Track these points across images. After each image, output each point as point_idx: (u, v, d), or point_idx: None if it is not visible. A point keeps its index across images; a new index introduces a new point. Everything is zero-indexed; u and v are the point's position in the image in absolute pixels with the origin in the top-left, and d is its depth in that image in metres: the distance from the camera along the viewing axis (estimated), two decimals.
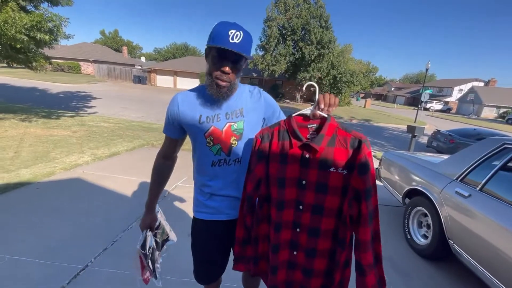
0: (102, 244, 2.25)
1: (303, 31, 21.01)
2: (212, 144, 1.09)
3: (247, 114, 1.10)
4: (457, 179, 2.39)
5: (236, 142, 1.09)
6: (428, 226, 2.64)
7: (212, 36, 0.95)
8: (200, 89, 1.12)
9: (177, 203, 3.15)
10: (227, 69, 0.97)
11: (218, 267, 1.26)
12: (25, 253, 2.07)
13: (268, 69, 21.52)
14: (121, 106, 11.72)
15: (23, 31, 4.99)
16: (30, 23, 5.03)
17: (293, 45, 21.75)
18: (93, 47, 34.79)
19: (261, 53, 22.40)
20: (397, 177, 3.27)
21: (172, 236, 1.44)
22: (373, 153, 7.55)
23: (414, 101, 43.88)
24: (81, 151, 4.56)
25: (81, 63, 30.98)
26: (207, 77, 1.02)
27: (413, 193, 2.93)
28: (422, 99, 17.18)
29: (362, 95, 49.76)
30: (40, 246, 2.16)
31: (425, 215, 2.69)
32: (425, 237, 2.68)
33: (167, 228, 1.43)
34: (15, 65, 6.48)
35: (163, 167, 1.25)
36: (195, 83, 26.31)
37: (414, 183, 2.88)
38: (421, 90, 20.37)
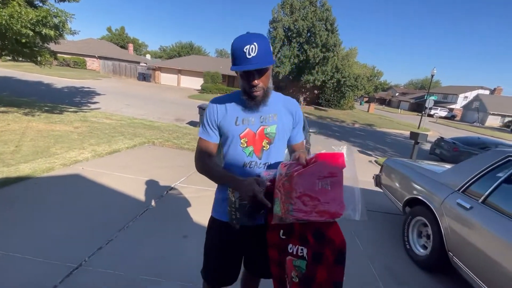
0: (97, 243, 2.24)
1: (309, 34, 20.96)
2: (245, 145, 1.15)
3: (280, 120, 1.18)
4: (459, 190, 2.34)
5: (268, 146, 1.16)
6: (427, 236, 2.59)
7: (233, 58, 1.05)
8: (236, 94, 1.19)
9: (174, 203, 3.13)
10: (255, 82, 1.06)
11: (232, 271, 1.26)
12: (19, 249, 2.05)
13: (272, 71, 21.47)
14: (124, 103, 11.75)
15: (29, 26, 5.01)
16: (36, 18, 5.04)
17: (298, 47, 21.72)
18: (99, 43, 35.00)
19: None
20: (398, 185, 3.23)
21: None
22: (374, 159, 7.50)
23: (418, 107, 43.64)
24: (81, 147, 4.56)
25: (86, 58, 31.15)
26: (242, 91, 1.13)
27: (413, 202, 2.88)
28: (426, 105, 17.06)
29: (366, 99, 49.58)
30: (34, 243, 2.14)
31: (425, 225, 2.64)
32: (424, 247, 2.63)
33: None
34: (20, 58, 6.52)
35: (212, 160, 1.19)
36: (198, 82, 26.36)
37: (415, 192, 2.84)
38: (425, 96, 20.27)
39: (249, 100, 1.11)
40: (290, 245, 1.04)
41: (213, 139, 1.20)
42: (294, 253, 1.02)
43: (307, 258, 0.99)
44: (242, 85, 1.11)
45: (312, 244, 0.97)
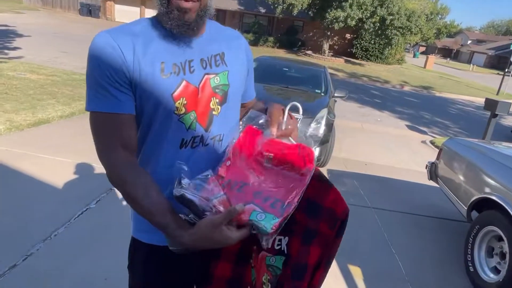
0: (10, 259, 2.22)
1: None
2: (184, 111, 0.95)
3: (231, 63, 1.03)
4: None
5: (219, 108, 1.01)
6: (502, 255, 2.59)
7: None
8: (151, 22, 0.98)
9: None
10: None
11: None
12: None
13: (283, 3, 20.93)
14: (59, 49, 11.62)
15: None
16: None
17: None
18: None
19: None
20: (462, 179, 3.22)
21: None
22: (430, 139, 7.43)
23: (500, 62, 42.99)
24: None
25: None
26: (159, 2, 0.90)
27: (484, 205, 2.87)
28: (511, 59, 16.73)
29: (422, 49, 48.81)
30: None
31: (499, 239, 2.63)
32: (497, 271, 2.64)
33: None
34: None
35: (133, 163, 0.97)
36: None
37: (487, 190, 2.82)
38: (511, 45, 19.76)
39: (171, 16, 0.88)
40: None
41: (128, 108, 0.93)
42: (270, 246, 1.04)
43: (286, 251, 1.02)
44: None
45: (302, 222, 1.01)
